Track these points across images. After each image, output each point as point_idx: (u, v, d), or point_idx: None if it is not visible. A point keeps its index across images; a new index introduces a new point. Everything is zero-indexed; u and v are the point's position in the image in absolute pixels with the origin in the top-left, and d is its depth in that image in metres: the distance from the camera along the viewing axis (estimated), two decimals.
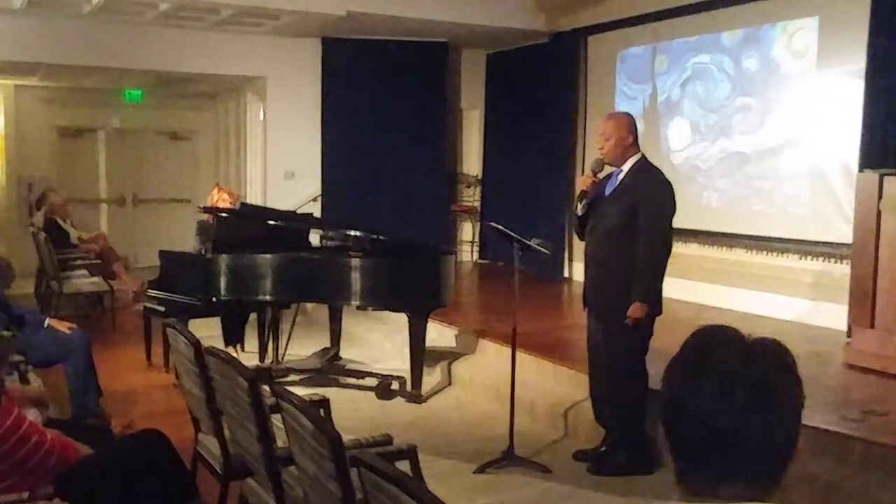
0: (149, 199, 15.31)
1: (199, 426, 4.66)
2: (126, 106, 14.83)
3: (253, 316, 8.27)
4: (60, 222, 11.30)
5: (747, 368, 1.55)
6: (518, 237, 5.72)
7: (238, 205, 9.55)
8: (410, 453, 3.62)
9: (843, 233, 7.86)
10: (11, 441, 3.43)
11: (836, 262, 8.26)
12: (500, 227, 5.75)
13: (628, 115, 5.85)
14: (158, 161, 15.34)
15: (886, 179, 6.58)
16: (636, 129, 5.59)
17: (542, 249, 5.94)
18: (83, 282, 10.32)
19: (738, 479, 1.55)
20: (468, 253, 13.17)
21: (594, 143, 10.95)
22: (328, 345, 8.39)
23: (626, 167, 5.54)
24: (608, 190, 5.60)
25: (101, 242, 11.74)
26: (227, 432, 4.20)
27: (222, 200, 8.65)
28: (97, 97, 14.52)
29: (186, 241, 9.12)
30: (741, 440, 1.53)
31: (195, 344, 4.28)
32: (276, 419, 3.65)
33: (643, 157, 5.59)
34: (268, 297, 7.33)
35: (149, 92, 14.62)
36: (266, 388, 4.09)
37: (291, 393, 3.30)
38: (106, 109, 14.85)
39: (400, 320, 8.03)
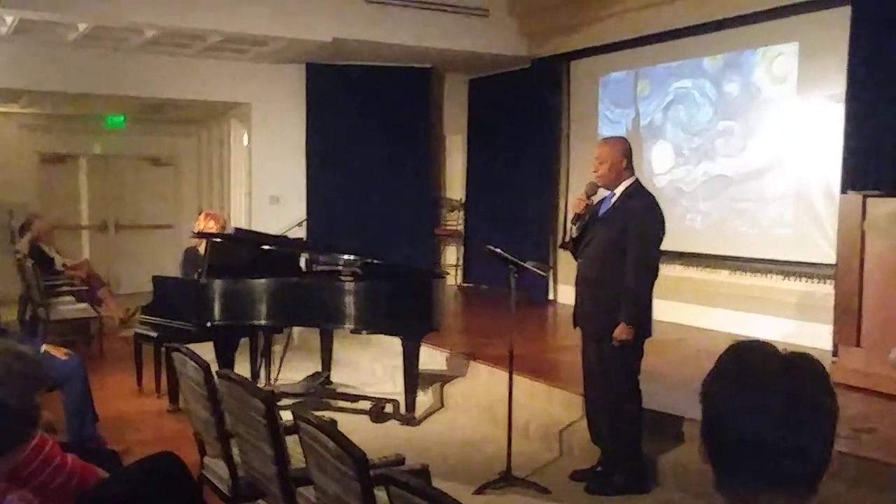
0: (131, 226, 15.30)
1: (203, 450, 4.68)
2: (107, 132, 14.82)
3: (244, 340, 8.21)
4: (45, 249, 11.27)
5: (785, 381, 1.61)
6: (515, 260, 5.80)
7: (226, 230, 9.50)
8: (423, 473, 3.67)
9: (826, 253, 8.03)
10: (36, 463, 3.44)
11: (819, 282, 8.42)
12: (498, 250, 5.82)
13: (623, 139, 5.97)
14: (141, 187, 15.35)
15: (870, 201, 6.75)
16: (630, 154, 5.68)
17: (539, 271, 6.02)
18: (70, 308, 10.28)
19: (777, 489, 1.61)
20: (452, 277, 13.23)
21: (578, 167, 11.23)
22: (319, 369, 8.41)
23: (618, 190, 5.63)
24: (601, 212, 5.71)
25: (86, 269, 11.70)
26: (235, 455, 4.23)
27: (209, 228, 8.59)
28: (79, 123, 14.54)
29: (169, 267, 9.09)
30: (780, 450, 1.59)
31: (205, 367, 4.32)
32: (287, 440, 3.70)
33: (636, 181, 5.69)
34: (263, 322, 7.34)
35: (131, 118, 14.62)
36: None
37: (310, 413, 3.36)
38: (87, 136, 14.88)
39: (389, 343, 8.10)
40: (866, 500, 4.71)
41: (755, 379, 1.63)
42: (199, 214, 9.34)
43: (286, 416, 3.89)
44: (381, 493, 2.88)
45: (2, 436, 2.77)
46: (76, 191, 15.07)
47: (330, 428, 3.20)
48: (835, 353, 7.00)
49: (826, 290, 8.03)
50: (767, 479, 1.61)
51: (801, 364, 1.66)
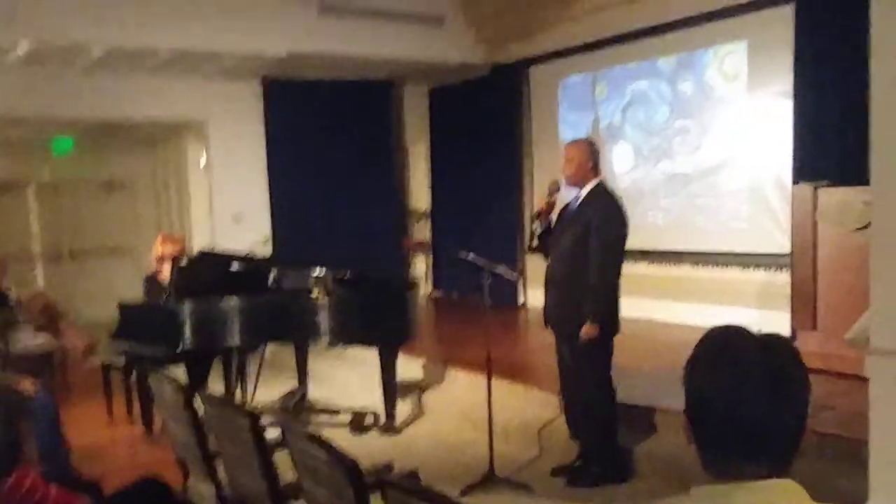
0: (87, 252, 14.68)
1: (186, 472, 4.75)
2: (56, 157, 14.20)
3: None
4: None
5: (764, 360, 1.74)
6: (488, 265, 5.97)
7: (185, 251, 9.29)
8: (414, 477, 3.80)
9: (781, 244, 8.27)
10: (17, 497, 3.36)
11: (776, 271, 8.68)
12: (470, 255, 5.99)
13: (591, 141, 6.14)
14: (95, 212, 14.71)
15: (821, 191, 7.03)
16: (597, 156, 5.88)
17: (510, 275, 6.18)
18: (30, 342, 10.03)
19: (761, 461, 1.73)
20: (422, 286, 13.29)
21: (540, 171, 11.43)
22: (294, 385, 8.42)
23: (584, 191, 5.81)
24: (568, 211, 5.90)
25: (42, 300, 11.45)
26: (220, 475, 4.31)
27: (167, 251, 8.43)
28: (24, 149, 13.83)
29: (130, 294, 8.74)
30: (763, 424, 1.72)
31: (184, 390, 4.39)
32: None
33: (601, 182, 5.87)
34: (235, 342, 7.30)
35: (81, 141, 13.96)
36: None
37: (298, 426, 3.46)
38: (34, 161, 14.21)
39: (364, 356, 8.13)
40: (829, 472, 4.94)
41: (737, 358, 1.74)
42: (158, 239, 9.16)
43: (269, 434, 3.96)
44: (373, 501, 2.98)
45: None
46: (25, 220, 14.45)
47: (320, 438, 3.28)
48: (793, 338, 7.17)
49: (783, 278, 8.26)
50: (752, 452, 1.73)
51: (776, 343, 1.79)
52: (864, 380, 4.02)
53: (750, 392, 1.71)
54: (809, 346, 6.78)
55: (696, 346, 1.84)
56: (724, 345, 1.80)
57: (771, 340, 1.79)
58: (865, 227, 6.43)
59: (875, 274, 3.96)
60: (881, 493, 3.90)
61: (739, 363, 1.74)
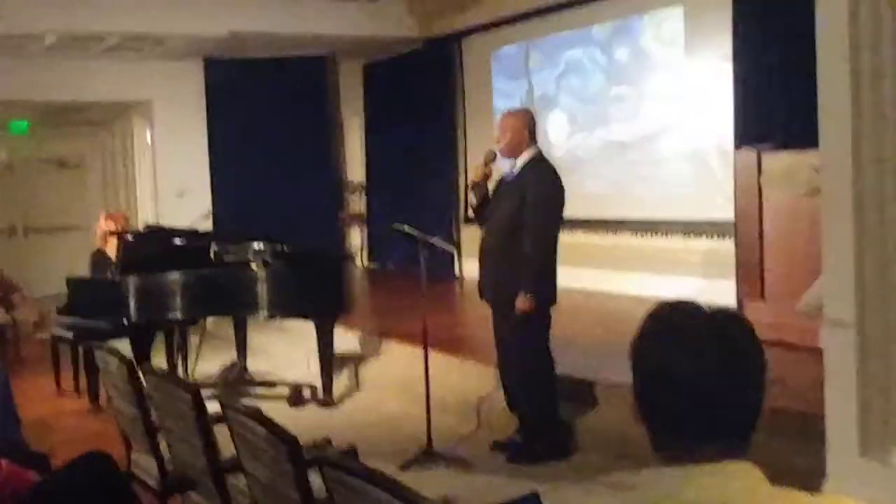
0: (40, 229, 15.18)
1: (130, 446, 4.69)
2: (12, 137, 14.63)
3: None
4: None
5: (717, 335, 1.64)
6: (423, 236, 5.82)
7: (128, 227, 9.40)
8: (352, 453, 3.68)
9: (725, 210, 8.18)
10: None
11: (720, 238, 8.55)
12: (405, 227, 5.83)
13: (527, 111, 6.13)
14: (48, 190, 15.25)
15: (765, 156, 6.94)
16: (534, 126, 5.78)
17: (446, 246, 6.05)
18: None
19: (715, 441, 1.62)
20: (357, 258, 13.23)
21: (475, 143, 11.29)
22: (234, 359, 8.47)
23: (519, 162, 5.69)
24: (504, 182, 5.77)
25: None
26: (163, 449, 4.24)
27: (109, 228, 8.56)
28: None
29: (80, 269, 8.98)
30: (716, 403, 1.61)
31: (129, 364, 4.31)
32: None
33: (538, 152, 5.74)
34: (178, 315, 7.37)
35: (35, 122, 14.41)
36: None
37: (238, 401, 3.34)
38: None
39: (301, 329, 8.07)
40: (783, 450, 4.84)
41: (687, 335, 1.64)
42: (102, 216, 9.24)
43: (211, 407, 3.88)
44: (313, 477, 2.89)
45: None
46: None
47: (259, 414, 3.20)
48: (740, 308, 7.12)
49: (727, 246, 8.18)
50: (705, 432, 1.63)
51: (728, 318, 1.69)
52: (816, 351, 3.94)
53: (702, 369, 1.61)
54: (757, 317, 6.60)
55: (643, 322, 1.73)
56: (673, 320, 1.70)
57: (723, 315, 1.69)
58: (813, 192, 6.36)
59: (827, 241, 3.87)
60: (839, 470, 3.81)
61: (690, 339, 1.64)
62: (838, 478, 3.94)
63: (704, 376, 1.60)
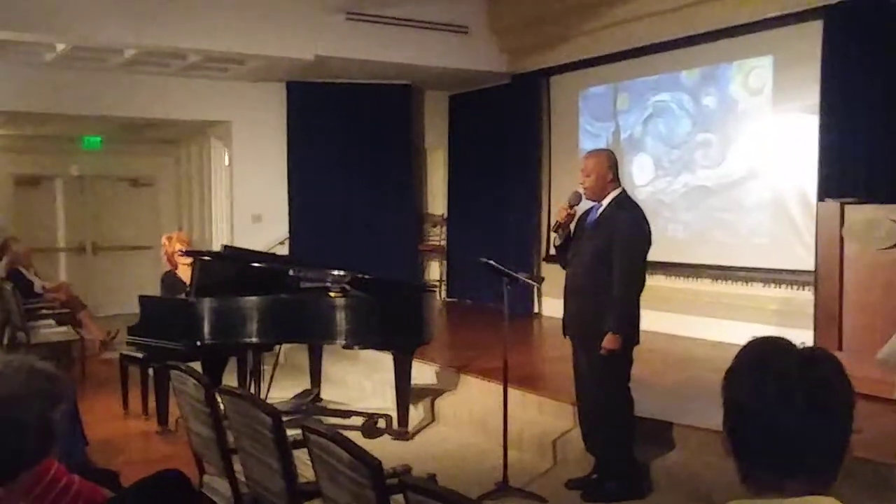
0: (109, 247, 15.13)
1: (202, 468, 4.71)
2: (84, 153, 14.64)
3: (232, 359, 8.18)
4: (24, 272, 11.16)
5: (807, 372, 1.69)
6: (509, 271, 5.88)
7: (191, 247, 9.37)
8: (433, 481, 3.73)
9: (804, 260, 8.18)
10: (43, 484, 3.41)
11: (798, 288, 8.57)
12: (491, 262, 5.90)
13: (609, 151, 6.09)
14: (119, 208, 15.21)
15: (847, 208, 6.94)
16: (616, 166, 5.81)
17: (532, 282, 6.10)
18: (51, 331, 10.08)
19: (801, 476, 1.68)
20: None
21: (559, 181, 11.36)
22: (307, 387, 8.44)
23: (605, 201, 5.74)
24: (588, 222, 5.82)
25: (66, 291, 11.62)
26: (237, 472, 4.25)
27: (174, 250, 8.57)
28: (55, 144, 14.35)
29: (148, 289, 8.86)
30: (803, 438, 1.67)
31: (207, 384, 4.34)
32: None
33: (623, 191, 5.80)
34: (253, 340, 7.33)
35: (108, 138, 14.43)
36: None
37: (320, 425, 3.40)
38: (64, 157, 14.69)
39: (377, 359, 8.15)
40: (856, 497, 4.83)
41: (778, 370, 1.69)
42: (164, 237, 9.21)
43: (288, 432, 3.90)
44: None
45: (20, 455, 2.68)
46: (53, 212, 14.89)
47: (342, 438, 3.23)
48: None
49: (805, 296, 8.20)
50: (792, 467, 1.68)
51: (819, 355, 1.74)
52: (892, 402, 3.93)
53: (791, 405, 1.66)
54: None
55: (735, 357, 1.79)
56: (765, 355, 1.75)
57: (815, 353, 1.74)
58: (893, 246, 6.35)
59: None
60: None
61: (781, 375, 1.69)
62: None
63: (793, 412, 1.65)
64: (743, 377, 1.75)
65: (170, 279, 8.61)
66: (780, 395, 1.67)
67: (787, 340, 1.76)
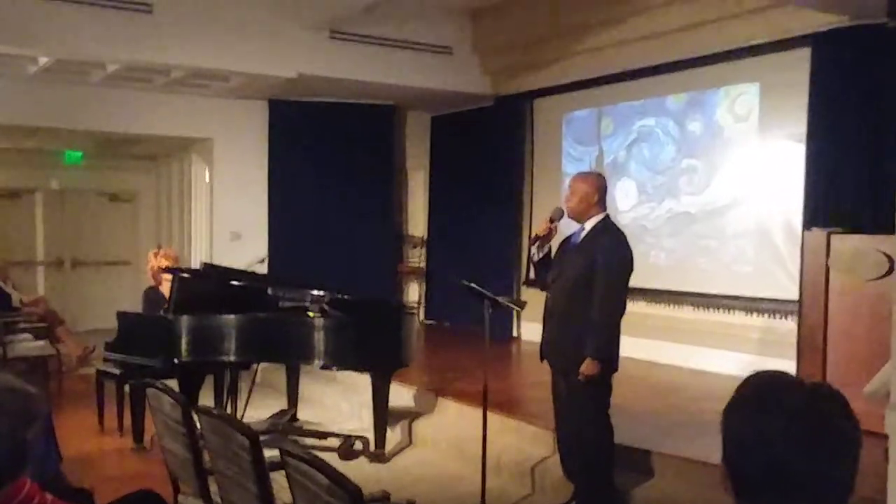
0: (88, 262, 15.00)
1: (177, 488, 4.61)
2: (65, 167, 14.57)
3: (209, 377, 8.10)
4: (2, 285, 11.04)
5: (810, 408, 1.63)
6: (490, 294, 5.79)
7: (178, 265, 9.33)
8: None
9: (787, 289, 8.13)
10: (15, 503, 3.36)
11: (781, 318, 8.52)
12: (473, 284, 5.81)
13: (599, 175, 6.00)
14: (98, 223, 15.08)
15: (833, 237, 6.89)
16: (604, 191, 5.73)
17: (514, 306, 6.02)
18: (28, 346, 10.04)
19: None
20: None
21: (541, 204, 11.30)
22: (283, 406, 8.37)
23: (588, 225, 5.66)
24: (570, 245, 5.75)
25: (43, 305, 11.51)
26: (213, 493, 4.17)
27: (161, 265, 8.52)
28: (36, 158, 14.24)
29: (127, 305, 8.87)
30: (807, 477, 1.60)
31: (184, 403, 4.26)
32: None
33: (607, 216, 5.72)
34: (231, 358, 7.27)
35: (89, 153, 14.39)
36: None
37: (300, 448, 3.32)
38: (44, 170, 14.58)
39: (354, 380, 8.06)
40: None
41: (780, 406, 1.63)
42: (151, 252, 9.19)
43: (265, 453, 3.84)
44: None
45: None
46: (32, 226, 14.74)
47: (321, 463, 3.16)
48: None
49: (787, 325, 8.16)
50: (792, 503, 1.62)
51: (824, 392, 1.68)
52: (878, 435, 3.87)
53: (794, 442, 1.60)
54: None
55: (737, 390, 1.73)
56: (767, 390, 1.70)
57: (820, 389, 1.69)
58: (880, 277, 6.30)
59: None
60: None
61: (783, 410, 1.63)
62: None
63: (797, 448, 1.60)
64: (745, 411, 1.69)
65: (152, 294, 8.58)
66: (784, 430, 1.61)
67: (791, 375, 1.71)
